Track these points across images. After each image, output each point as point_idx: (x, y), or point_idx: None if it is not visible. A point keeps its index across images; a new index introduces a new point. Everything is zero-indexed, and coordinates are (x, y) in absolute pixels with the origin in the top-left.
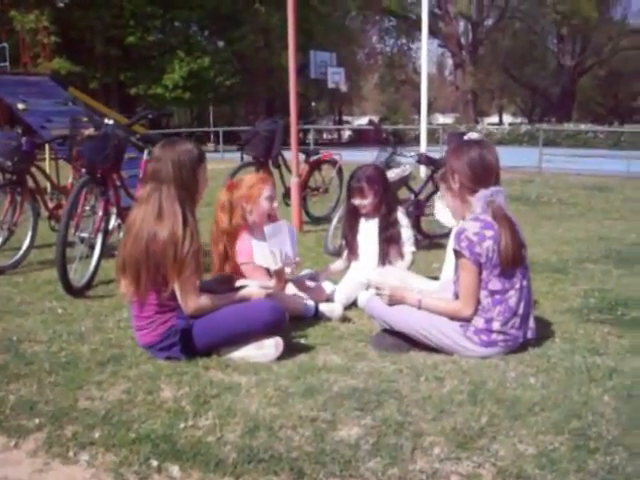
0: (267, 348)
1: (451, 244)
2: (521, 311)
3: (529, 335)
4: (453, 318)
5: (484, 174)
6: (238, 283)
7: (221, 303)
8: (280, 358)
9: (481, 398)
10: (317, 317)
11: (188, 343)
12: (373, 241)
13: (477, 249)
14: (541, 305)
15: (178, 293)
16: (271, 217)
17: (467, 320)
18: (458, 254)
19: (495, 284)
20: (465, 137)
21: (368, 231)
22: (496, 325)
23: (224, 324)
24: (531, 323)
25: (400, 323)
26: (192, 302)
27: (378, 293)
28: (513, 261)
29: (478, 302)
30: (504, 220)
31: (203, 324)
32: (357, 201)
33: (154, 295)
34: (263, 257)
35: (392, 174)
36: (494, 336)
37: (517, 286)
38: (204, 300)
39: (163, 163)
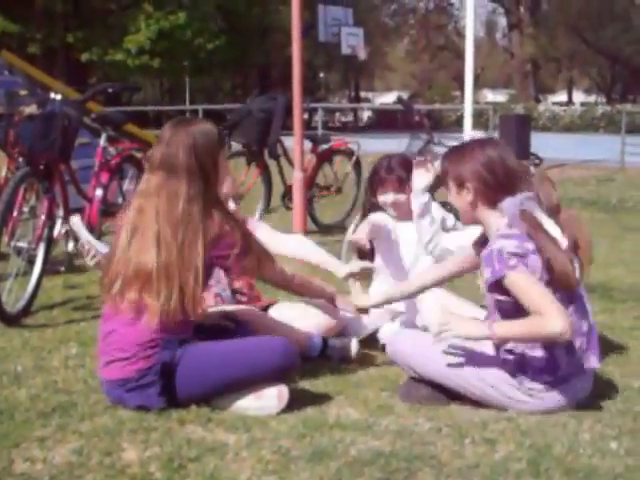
0: (267, 399)
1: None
2: (585, 328)
3: (592, 363)
4: (547, 341)
5: (508, 178)
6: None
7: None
8: (279, 411)
9: (546, 467)
10: (325, 356)
11: (170, 384)
12: (409, 253)
13: (525, 266)
14: (624, 345)
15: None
16: None
17: (564, 337)
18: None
19: None
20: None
21: (402, 240)
22: (560, 354)
23: (222, 365)
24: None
25: (429, 369)
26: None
27: (440, 333)
28: (573, 282)
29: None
30: (544, 234)
31: (193, 361)
32: (390, 197)
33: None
34: None
35: None
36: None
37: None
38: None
39: (174, 148)
